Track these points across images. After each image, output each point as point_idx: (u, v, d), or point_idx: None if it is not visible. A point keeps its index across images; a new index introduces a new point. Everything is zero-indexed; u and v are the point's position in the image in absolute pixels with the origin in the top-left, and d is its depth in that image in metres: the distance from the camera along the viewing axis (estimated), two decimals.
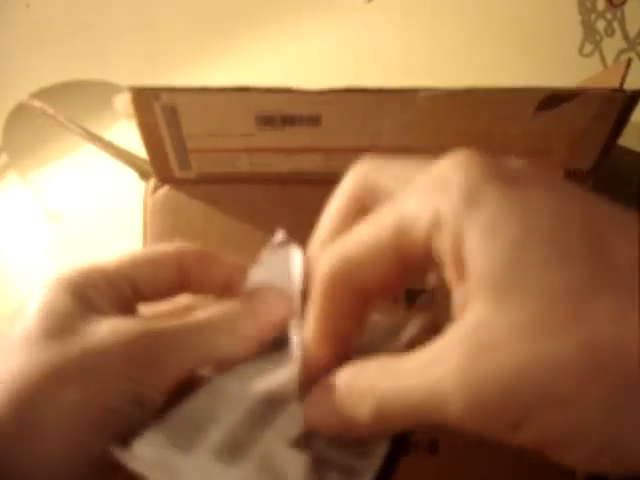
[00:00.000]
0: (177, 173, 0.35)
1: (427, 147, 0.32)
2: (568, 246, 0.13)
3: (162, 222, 0.35)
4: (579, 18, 0.51)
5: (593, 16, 0.50)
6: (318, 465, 0.17)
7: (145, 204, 0.36)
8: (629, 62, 0.33)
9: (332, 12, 0.52)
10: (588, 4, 0.50)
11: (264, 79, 0.30)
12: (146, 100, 0.30)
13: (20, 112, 0.51)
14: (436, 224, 0.15)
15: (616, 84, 0.33)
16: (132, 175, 0.36)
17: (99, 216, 0.51)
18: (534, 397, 0.13)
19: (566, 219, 0.14)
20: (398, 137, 0.32)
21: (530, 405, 0.13)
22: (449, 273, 0.15)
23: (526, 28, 0.51)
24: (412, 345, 0.18)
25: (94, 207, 0.52)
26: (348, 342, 0.18)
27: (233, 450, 0.17)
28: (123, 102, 0.30)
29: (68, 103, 0.48)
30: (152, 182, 0.36)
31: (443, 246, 0.15)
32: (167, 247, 0.21)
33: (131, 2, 0.53)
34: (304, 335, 0.19)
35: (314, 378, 0.18)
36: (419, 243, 0.15)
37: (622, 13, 0.50)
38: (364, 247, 0.16)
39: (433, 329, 0.17)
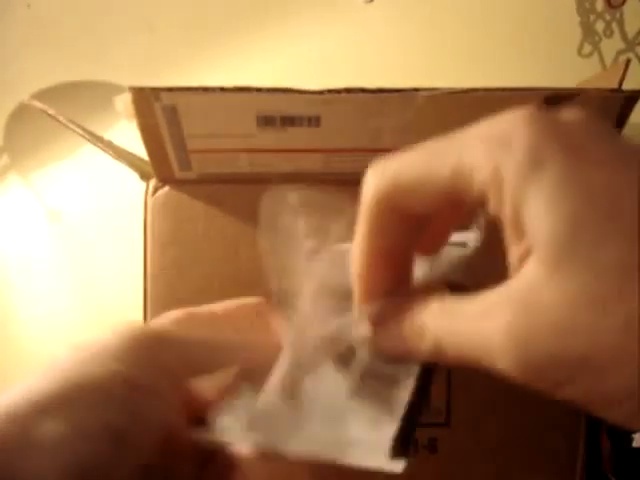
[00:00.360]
0: (177, 174, 0.35)
1: None
2: (624, 224, 0.14)
3: (163, 223, 0.35)
4: (578, 19, 0.51)
5: (592, 17, 0.50)
6: (364, 376, 0.20)
7: (146, 205, 0.36)
8: (628, 63, 0.33)
9: (332, 12, 0.52)
10: (587, 5, 0.50)
11: (264, 79, 0.30)
12: (146, 100, 0.30)
13: (21, 113, 0.51)
14: (495, 180, 0.15)
15: (615, 85, 0.33)
16: (133, 176, 0.37)
17: (99, 216, 0.51)
18: (577, 362, 0.14)
19: (625, 195, 0.14)
20: (398, 137, 0.32)
21: (573, 368, 0.14)
22: (506, 230, 0.16)
23: (525, 29, 0.51)
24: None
25: (95, 207, 0.52)
26: (400, 264, 0.19)
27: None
28: (124, 103, 0.30)
29: (69, 104, 0.48)
30: (152, 183, 0.36)
31: (501, 204, 0.15)
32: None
33: (132, 3, 0.53)
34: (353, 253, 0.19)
35: (371, 297, 0.19)
36: (474, 192, 0.16)
37: (621, 14, 0.50)
38: (417, 179, 0.17)
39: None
